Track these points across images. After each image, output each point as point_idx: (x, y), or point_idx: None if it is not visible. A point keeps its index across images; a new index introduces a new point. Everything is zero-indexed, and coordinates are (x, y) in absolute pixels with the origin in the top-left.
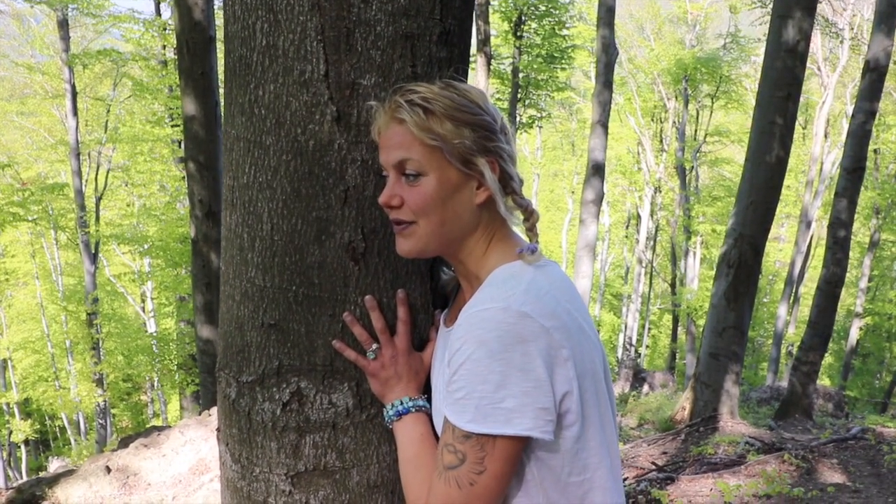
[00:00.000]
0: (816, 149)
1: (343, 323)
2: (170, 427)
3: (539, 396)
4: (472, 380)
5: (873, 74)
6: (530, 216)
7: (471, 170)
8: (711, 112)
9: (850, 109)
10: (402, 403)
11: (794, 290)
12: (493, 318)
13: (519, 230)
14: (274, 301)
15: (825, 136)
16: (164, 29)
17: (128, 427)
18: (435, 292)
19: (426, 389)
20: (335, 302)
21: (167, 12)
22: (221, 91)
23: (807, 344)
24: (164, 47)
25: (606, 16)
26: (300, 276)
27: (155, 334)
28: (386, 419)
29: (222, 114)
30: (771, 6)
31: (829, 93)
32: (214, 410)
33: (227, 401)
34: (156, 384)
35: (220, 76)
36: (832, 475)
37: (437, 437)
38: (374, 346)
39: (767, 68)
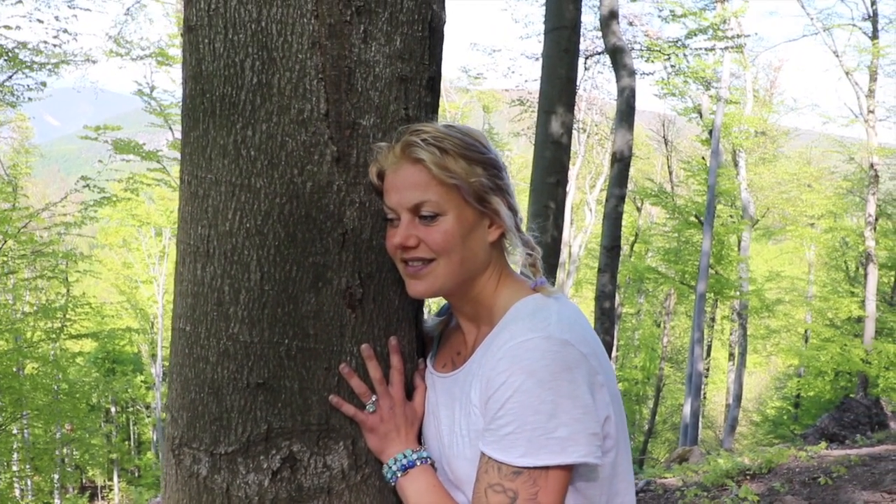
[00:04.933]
0: (565, 234)
1: (339, 376)
2: None
3: (588, 422)
4: (523, 412)
5: (620, 164)
6: (533, 251)
7: (485, 208)
8: None
9: (589, 198)
10: (405, 457)
11: None
12: (538, 347)
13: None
14: (262, 358)
15: (571, 223)
16: None
17: None
18: (419, 339)
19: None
20: (331, 354)
21: None
22: None
23: None
24: None
25: None
26: (294, 327)
27: None
28: (388, 476)
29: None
30: (528, 105)
31: (572, 183)
32: None
33: (195, 480)
34: None
35: None
36: None
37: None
38: (373, 398)
39: (538, 157)
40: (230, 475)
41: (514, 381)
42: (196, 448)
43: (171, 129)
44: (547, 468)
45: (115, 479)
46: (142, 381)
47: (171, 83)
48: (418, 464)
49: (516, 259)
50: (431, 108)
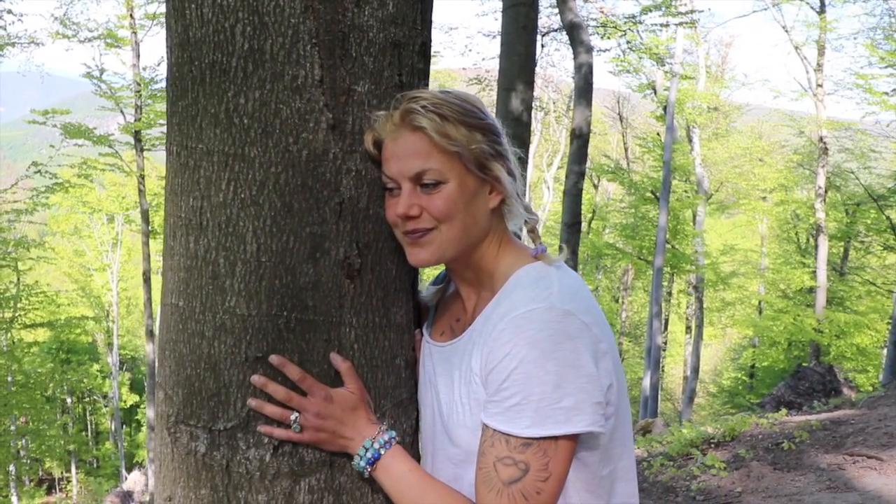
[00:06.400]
0: None
1: (340, 346)
2: None
3: (593, 391)
4: (528, 383)
5: (579, 141)
6: (532, 216)
7: (486, 175)
8: None
9: (547, 175)
10: (366, 450)
11: None
12: (540, 318)
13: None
14: (261, 331)
15: (529, 200)
16: None
17: None
18: (416, 309)
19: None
20: (330, 325)
21: None
22: None
23: None
24: None
25: None
26: (292, 299)
27: None
28: (359, 470)
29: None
30: (485, 83)
31: (529, 161)
32: None
33: (193, 457)
34: None
35: None
36: None
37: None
38: (294, 415)
39: None
40: (230, 451)
41: (518, 353)
42: (194, 425)
43: (122, 112)
44: (556, 438)
45: (73, 470)
46: (98, 371)
47: (121, 65)
48: (382, 452)
49: (514, 224)
50: (424, 75)
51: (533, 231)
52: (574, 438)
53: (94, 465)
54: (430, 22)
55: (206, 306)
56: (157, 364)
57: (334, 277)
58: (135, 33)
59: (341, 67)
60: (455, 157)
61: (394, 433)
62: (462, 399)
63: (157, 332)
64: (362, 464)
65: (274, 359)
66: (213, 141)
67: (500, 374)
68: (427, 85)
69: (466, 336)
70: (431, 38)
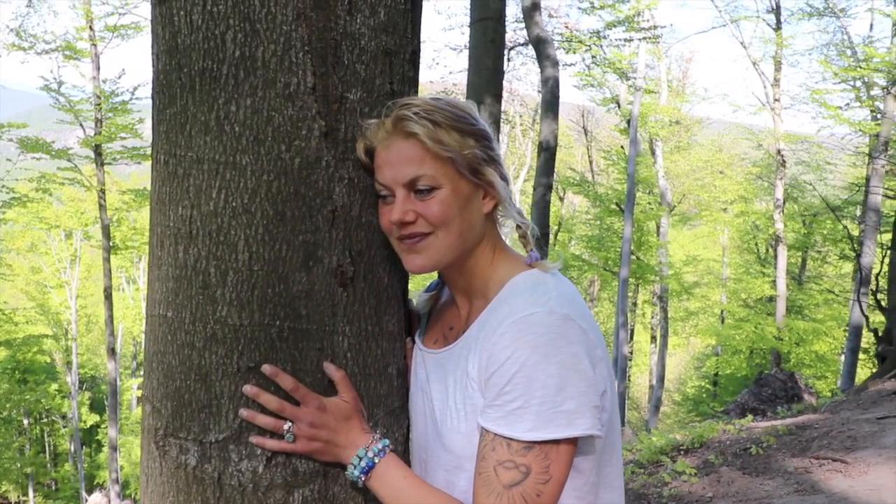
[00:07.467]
0: None
1: (333, 356)
2: None
3: (592, 395)
4: (530, 386)
5: (546, 153)
6: (525, 221)
7: (479, 179)
8: None
9: (513, 188)
10: (360, 459)
11: None
12: (541, 322)
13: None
14: (253, 341)
15: None
16: None
17: None
18: (407, 317)
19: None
20: (323, 334)
21: None
22: None
23: None
24: None
25: None
26: (285, 308)
27: None
28: (353, 479)
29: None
30: (452, 96)
31: None
32: None
33: (183, 471)
34: None
35: None
36: None
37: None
38: (286, 425)
39: None
40: (221, 464)
41: (520, 356)
42: (183, 438)
43: (81, 125)
44: (558, 441)
45: (31, 493)
46: (56, 391)
47: (80, 78)
48: (377, 461)
49: (506, 231)
50: (414, 83)
51: (525, 237)
52: (574, 442)
53: (53, 488)
54: (420, 30)
55: (197, 316)
56: (143, 376)
57: (327, 286)
58: (94, 45)
59: (334, 75)
60: (448, 163)
61: (387, 441)
62: (457, 405)
63: (118, 349)
64: (356, 473)
65: (266, 368)
66: (203, 149)
67: (502, 377)
68: (417, 93)
69: (461, 342)
70: (421, 46)
